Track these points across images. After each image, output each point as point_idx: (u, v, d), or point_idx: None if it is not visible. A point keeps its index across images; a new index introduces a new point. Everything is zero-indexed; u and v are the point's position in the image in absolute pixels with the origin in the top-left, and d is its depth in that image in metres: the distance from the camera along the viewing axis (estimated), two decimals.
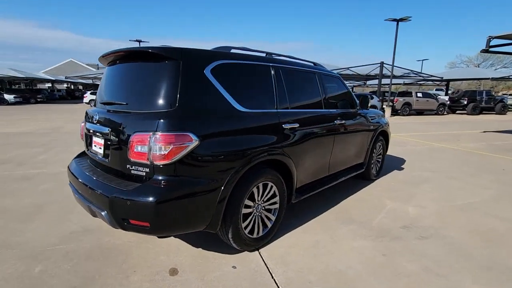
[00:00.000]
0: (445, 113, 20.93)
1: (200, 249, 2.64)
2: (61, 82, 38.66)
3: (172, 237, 2.79)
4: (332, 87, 3.73)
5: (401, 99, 19.06)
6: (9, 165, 5.32)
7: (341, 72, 21.26)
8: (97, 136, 2.46)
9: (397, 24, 18.46)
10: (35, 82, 38.16)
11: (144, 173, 2.04)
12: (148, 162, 1.99)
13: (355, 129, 4.01)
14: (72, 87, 44.74)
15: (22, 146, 7.00)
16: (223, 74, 2.34)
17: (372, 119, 4.42)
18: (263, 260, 2.49)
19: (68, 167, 2.78)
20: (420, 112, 20.25)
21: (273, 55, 3.01)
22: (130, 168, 2.09)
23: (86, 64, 47.72)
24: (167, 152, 1.94)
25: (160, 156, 1.94)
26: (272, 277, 2.25)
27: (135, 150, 2.01)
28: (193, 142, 2.01)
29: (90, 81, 36.54)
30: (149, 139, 1.95)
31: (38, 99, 27.95)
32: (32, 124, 11.53)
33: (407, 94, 20.18)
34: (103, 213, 2.05)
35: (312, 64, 3.58)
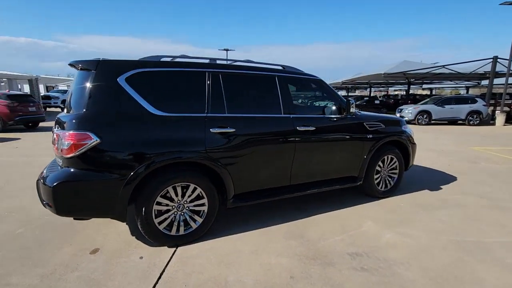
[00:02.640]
0: None
1: (134, 237, 2.95)
2: None
3: (123, 224, 3.20)
4: (302, 91, 3.47)
5: None
6: None
7: (434, 71, 18.12)
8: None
9: None
10: None
11: (60, 164, 2.49)
12: (60, 155, 2.42)
13: (338, 137, 3.59)
14: None
15: None
16: (139, 81, 2.59)
17: (372, 127, 3.84)
18: (171, 257, 2.61)
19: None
20: None
21: (217, 61, 3.07)
22: (58, 160, 2.58)
23: None
24: (68, 147, 2.32)
25: (64, 150, 2.35)
26: (161, 274, 2.37)
27: (55, 145, 2.48)
28: (93, 140, 2.34)
29: None
30: (60, 136, 2.38)
31: None
32: None
33: None
34: None
35: (280, 68, 3.43)
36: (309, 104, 3.75)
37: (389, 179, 4.21)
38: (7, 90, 14.42)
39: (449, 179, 5.14)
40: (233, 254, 2.67)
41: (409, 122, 15.59)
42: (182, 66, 2.83)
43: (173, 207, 2.74)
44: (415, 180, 5.05)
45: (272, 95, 3.22)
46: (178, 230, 2.77)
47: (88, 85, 2.46)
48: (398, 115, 16.41)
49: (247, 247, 2.80)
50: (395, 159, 4.15)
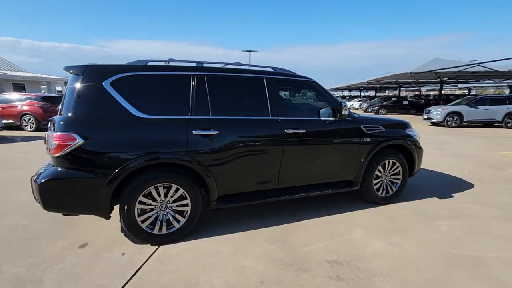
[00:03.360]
0: None
1: (122, 234, 3.08)
2: None
3: (117, 221, 3.34)
4: (294, 93, 3.42)
5: None
6: None
7: (468, 69, 16.89)
8: None
9: None
10: None
11: (51, 162, 2.66)
12: (49, 154, 2.59)
13: (331, 140, 3.49)
14: None
15: None
16: (124, 85, 2.70)
17: (370, 130, 3.68)
18: (151, 255, 2.69)
19: None
20: None
21: (204, 64, 3.12)
22: (50, 159, 2.76)
23: None
24: (54, 147, 2.48)
25: (52, 150, 2.51)
26: (137, 271, 2.45)
27: (46, 144, 2.66)
28: (77, 141, 2.48)
29: None
30: (49, 136, 2.55)
31: None
32: None
33: None
34: None
35: (271, 70, 3.41)
36: (303, 106, 3.67)
37: (391, 184, 4.01)
38: (42, 92, 15.60)
39: (464, 186, 4.79)
40: (212, 255, 2.69)
41: (437, 124, 14.71)
42: (166, 70, 2.91)
43: (156, 206, 2.82)
44: (425, 186, 4.77)
45: (260, 97, 3.20)
46: (161, 229, 2.85)
47: (77, 88, 2.61)
48: (425, 116, 15.56)
49: (228, 249, 2.81)
50: (397, 164, 3.95)
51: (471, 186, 4.83)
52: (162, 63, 3.03)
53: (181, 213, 2.93)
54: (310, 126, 3.36)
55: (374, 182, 3.85)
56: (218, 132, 2.91)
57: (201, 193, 2.95)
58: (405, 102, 25.02)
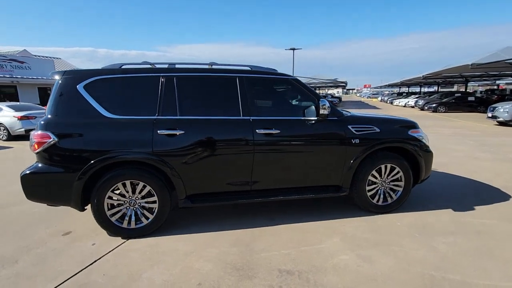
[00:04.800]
0: None
1: None
2: None
3: None
4: (271, 92, 3.28)
5: None
6: None
7: (501, 66, 14.03)
8: None
9: None
10: None
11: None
12: (32, 151, 2.92)
13: (312, 141, 3.27)
14: None
15: None
16: (96, 88, 2.91)
17: (360, 130, 3.34)
18: (115, 247, 2.85)
19: None
20: None
21: (176, 65, 3.17)
22: None
23: None
24: (33, 144, 2.79)
25: (32, 147, 2.82)
26: (94, 261, 2.62)
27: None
28: (51, 139, 2.75)
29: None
30: (31, 135, 2.88)
31: None
32: None
33: None
34: None
35: (247, 68, 3.32)
36: (283, 106, 3.48)
37: (391, 192, 3.58)
38: None
39: (497, 199, 4.04)
40: (168, 253, 2.74)
41: (505, 123, 12.61)
42: (137, 72, 3.04)
43: (125, 202, 2.98)
44: (445, 194, 4.17)
45: (232, 96, 3.15)
46: (129, 223, 3.00)
47: (56, 92, 2.90)
48: (489, 114, 13.46)
49: (186, 248, 2.83)
50: (397, 169, 3.51)
51: (506, 198, 4.05)
52: (136, 66, 3.17)
53: (150, 210, 3.04)
54: (286, 126, 3.19)
55: (368, 188, 3.48)
56: (183, 132, 2.95)
57: (169, 191, 3.02)
58: (471, 98, 21.93)
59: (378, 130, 3.41)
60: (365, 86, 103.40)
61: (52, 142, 2.76)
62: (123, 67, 3.10)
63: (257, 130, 3.09)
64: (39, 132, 2.79)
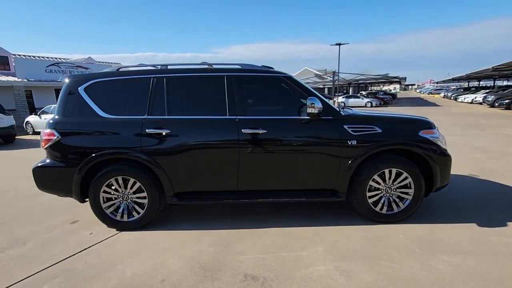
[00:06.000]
0: None
1: None
2: None
3: None
4: (261, 91, 3.18)
5: None
6: None
7: None
8: None
9: None
10: None
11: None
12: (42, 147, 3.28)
13: (300, 142, 3.08)
14: None
15: None
16: (94, 90, 3.15)
17: (357, 131, 3.04)
18: (107, 238, 3.06)
19: None
20: None
21: (168, 67, 3.26)
22: None
23: (317, 71, 54.69)
24: (42, 141, 3.14)
25: (41, 143, 3.17)
26: (85, 249, 2.85)
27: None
28: (56, 137, 3.07)
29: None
30: (41, 133, 3.23)
31: None
32: None
33: None
34: None
35: (237, 67, 3.27)
36: (275, 105, 3.33)
37: (397, 200, 3.20)
38: None
39: None
40: (149, 247, 2.85)
41: None
42: (131, 74, 3.21)
43: (118, 196, 3.18)
44: (479, 206, 3.60)
45: (219, 96, 3.12)
46: (122, 216, 3.19)
47: (62, 94, 3.22)
48: None
49: (168, 244, 2.90)
50: (405, 175, 3.11)
51: None
52: (132, 69, 3.35)
53: (141, 205, 3.19)
54: (274, 126, 3.06)
55: (369, 194, 3.16)
56: (169, 131, 3.02)
57: (157, 188, 3.13)
58: None
59: (379, 130, 3.06)
60: (429, 82, 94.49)
61: (56, 140, 3.07)
62: (120, 69, 3.31)
63: (242, 130, 3.02)
64: (47, 130, 3.13)
